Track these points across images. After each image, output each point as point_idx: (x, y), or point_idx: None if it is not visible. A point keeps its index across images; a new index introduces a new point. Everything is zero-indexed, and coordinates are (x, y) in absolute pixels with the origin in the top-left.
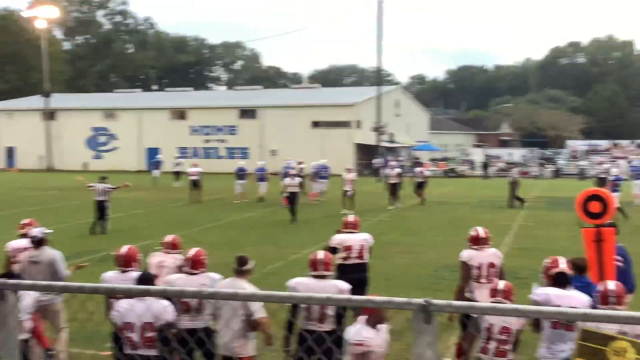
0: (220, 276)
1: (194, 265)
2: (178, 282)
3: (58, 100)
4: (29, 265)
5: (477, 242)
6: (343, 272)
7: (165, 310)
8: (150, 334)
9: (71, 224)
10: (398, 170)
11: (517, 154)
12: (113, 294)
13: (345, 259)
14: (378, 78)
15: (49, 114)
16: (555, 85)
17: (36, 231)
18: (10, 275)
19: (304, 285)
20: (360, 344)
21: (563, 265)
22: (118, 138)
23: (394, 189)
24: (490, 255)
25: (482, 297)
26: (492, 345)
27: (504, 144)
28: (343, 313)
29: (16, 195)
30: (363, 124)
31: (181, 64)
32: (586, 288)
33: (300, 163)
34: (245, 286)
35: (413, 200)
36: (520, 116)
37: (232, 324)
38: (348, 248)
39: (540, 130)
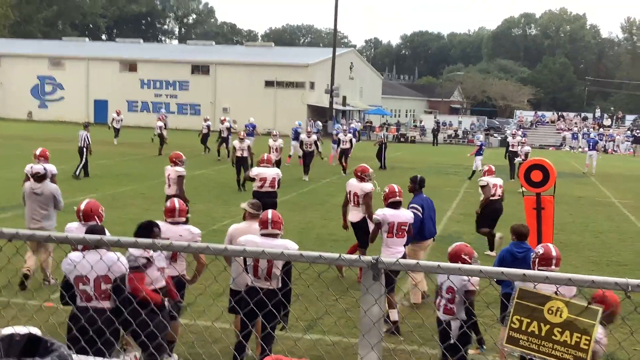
0: (198, 231)
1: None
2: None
3: (2, 45)
4: (31, 195)
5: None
6: (258, 197)
7: (118, 262)
8: (105, 287)
9: (12, 174)
10: (350, 135)
11: (466, 121)
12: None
13: (260, 187)
14: (334, 39)
15: None
16: (506, 56)
17: (38, 167)
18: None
19: (253, 242)
20: None
21: (397, 196)
22: (64, 88)
23: (345, 155)
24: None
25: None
26: (442, 302)
27: (454, 111)
28: (289, 272)
29: None
30: (316, 86)
31: (132, 14)
32: (526, 253)
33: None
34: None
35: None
36: (471, 85)
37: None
38: (263, 179)
39: (490, 100)
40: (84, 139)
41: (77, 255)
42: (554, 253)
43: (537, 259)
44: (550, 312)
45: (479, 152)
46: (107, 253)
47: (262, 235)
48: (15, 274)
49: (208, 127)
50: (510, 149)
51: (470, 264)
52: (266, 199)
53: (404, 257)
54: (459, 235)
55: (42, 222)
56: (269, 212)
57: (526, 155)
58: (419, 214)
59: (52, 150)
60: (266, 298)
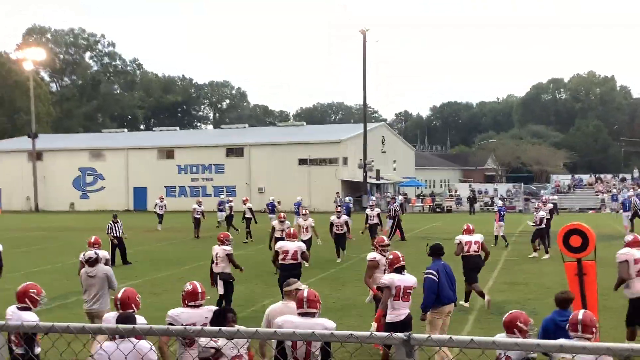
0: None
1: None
2: (181, 316)
3: (45, 141)
4: (87, 279)
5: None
6: (282, 269)
7: (151, 351)
8: None
9: (55, 265)
10: (377, 210)
11: (502, 188)
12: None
13: (283, 259)
14: (364, 115)
15: (36, 155)
16: (537, 121)
17: (90, 253)
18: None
19: (290, 323)
20: None
21: (402, 261)
22: (105, 178)
23: (373, 231)
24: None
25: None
26: None
27: (489, 179)
28: (329, 350)
29: (1, 236)
30: (349, 161)
31: (168, 104)
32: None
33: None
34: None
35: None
36: (504, 151)
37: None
38: (285, 252)
39: (525, 165)
40: (118, 228)
41: (111, 345)
42: (579, 317)
43: (568, 325)
44: None
45: (500, 219)
46: (140, 342)
47: (300, 314)
48: None
49: (231, 207)
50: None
51: (526, 332)
52: (290, 271)
53: (409, 318)
54: (502, 305)
55: (97, 304)
56: (305, 291)
57: (541, 220)
58: (435, 279)
59: None
60: None
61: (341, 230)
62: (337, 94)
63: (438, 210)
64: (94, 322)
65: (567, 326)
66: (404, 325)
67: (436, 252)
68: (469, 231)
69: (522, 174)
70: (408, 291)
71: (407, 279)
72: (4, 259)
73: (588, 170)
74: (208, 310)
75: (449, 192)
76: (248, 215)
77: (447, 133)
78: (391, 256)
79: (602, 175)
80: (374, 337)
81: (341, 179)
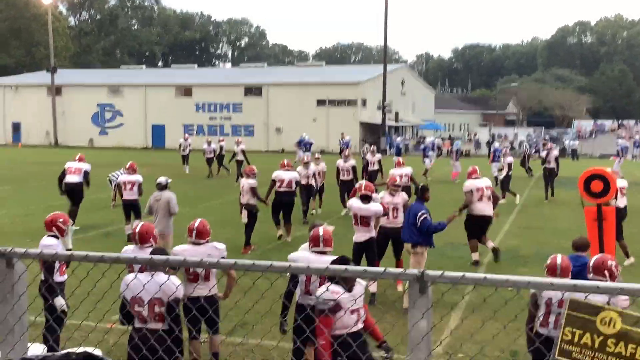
0: (224, 245)
1: (199, 235)
2: (184, 253)
3: (63, 76)
4: (154, 202)
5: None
6: (277, 194)
7: (174, 286)
8: (159, 309)
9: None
10: (379, 156)
11: (522, 133)
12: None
13: (279, 187)
14: (384, 56)
15: (55, 90)
16: (562, 65)
17: (161, 179)
18: (160, 250)
19: (305, 259)
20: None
21: (365, 191)
22: (123, 115)
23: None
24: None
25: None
26: (551, 317)
27: (510, 123)
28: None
29: (21, 170)
30: (368, 103)
31: (186, 41)
32: (582, 267)
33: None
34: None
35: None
36: (526, 96)
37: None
38: (281, 180)
39: (547, 110)
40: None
41: (132, 276)
42: (558, 262)
43: (590, 268)
44: (603, 323)
45: (495, 159)
46: (160, 274)
47: (314, 252)
48: (86, 297)
49: (221, 147)
50: (546, 164)
51: (616, 276)
52: (284, 197)
53: (371, 240)
54: (517, 249)
55: (159, 225)
56: (320, 230)
57: (509, 166)
58: (429, 219)
59: None
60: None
61: (348, 176)
62: (358, 35)
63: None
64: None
65: (584, 270)
66: (365, 244)
67: (417, 194)
68: (475, 173)
69: (544, 118)
70: (365, 219)
71: (364, 208)
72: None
73: (611, 116)
74: (212, 247)
75: (468, 135)
76: (240, 157)
77: (469, 76)
78: (357, 185)
79: (625, 122)
80: (387, 273)
81: (360, 121)
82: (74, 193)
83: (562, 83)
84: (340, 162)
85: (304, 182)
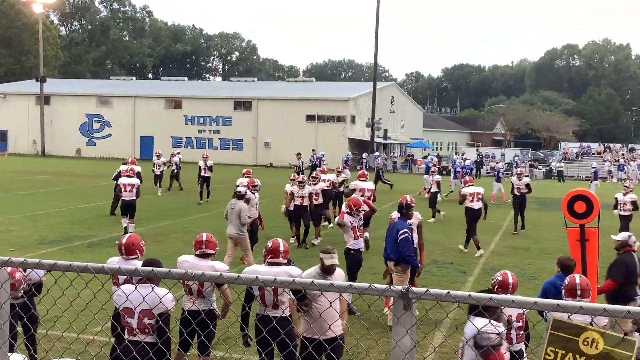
0: (226, 267)
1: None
2: (185, 265)
3: (53, 85)
4: (230, 209)
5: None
6: (293, 208)
7: (164, 298)
8: (148, 321)
9: (60, 209)
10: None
11: (509, 153)
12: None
13: (293, 199)
14: (374, 73)
15: (44, 99)
16: (550, 87)
17: (241, 189)
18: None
19: (257, 272)
20: None
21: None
22: (112, 125)
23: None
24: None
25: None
26: (512, 332)
27: (497, 144)
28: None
29: (6, 178)
30: (357, 120)
31: (177, 53)
32: None
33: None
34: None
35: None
36: (514, 117)
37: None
38: (362, 190)
39: (534, 132)
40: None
41: (128, 288)
42: (577, 281)
43: (563, 290)
44: (585, 343)
45: (457, 177)
46: (148, 287)
47: (268, 264)
48: (69, 307)
49: (178, 160)
50: (515, 192)
51: (588, 296)
52: (298, 211)
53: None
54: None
55: (234, 230)
56: (275, 242)
57: (438, 184)
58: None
59: (99, 185)
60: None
61: (305, 202)
62: (349, 52)
63: (444, 172)
64: (235, 245)
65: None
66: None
67: (400, 211)
68: (471, 182)
69: (531, 139)
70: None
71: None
72: (9, 202)
73: (598, 139)
74: (209, 266)
75: (456, 154)
76: (205, 174)
77: (458, 95)
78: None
79: (611, 145)
80: (372, 289)
81: (348, 137)
82: (132, 209)
83: (549, 105)
84: (294, 188)
85: (297, 202)
